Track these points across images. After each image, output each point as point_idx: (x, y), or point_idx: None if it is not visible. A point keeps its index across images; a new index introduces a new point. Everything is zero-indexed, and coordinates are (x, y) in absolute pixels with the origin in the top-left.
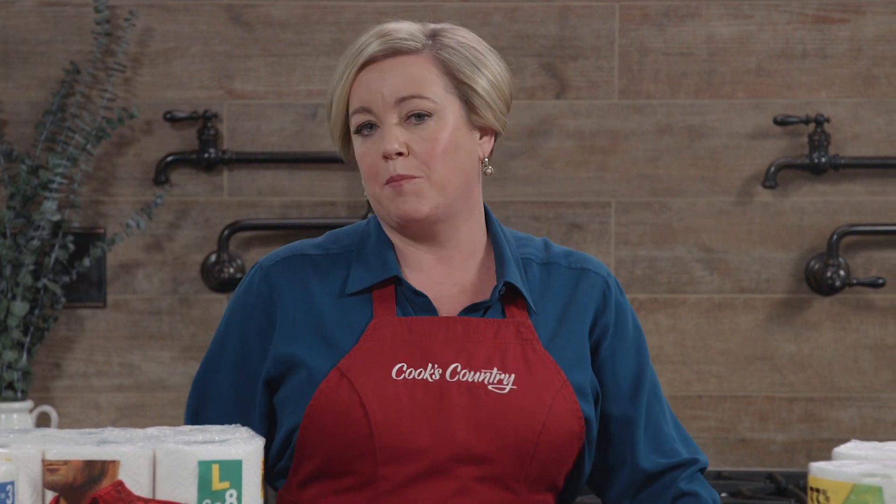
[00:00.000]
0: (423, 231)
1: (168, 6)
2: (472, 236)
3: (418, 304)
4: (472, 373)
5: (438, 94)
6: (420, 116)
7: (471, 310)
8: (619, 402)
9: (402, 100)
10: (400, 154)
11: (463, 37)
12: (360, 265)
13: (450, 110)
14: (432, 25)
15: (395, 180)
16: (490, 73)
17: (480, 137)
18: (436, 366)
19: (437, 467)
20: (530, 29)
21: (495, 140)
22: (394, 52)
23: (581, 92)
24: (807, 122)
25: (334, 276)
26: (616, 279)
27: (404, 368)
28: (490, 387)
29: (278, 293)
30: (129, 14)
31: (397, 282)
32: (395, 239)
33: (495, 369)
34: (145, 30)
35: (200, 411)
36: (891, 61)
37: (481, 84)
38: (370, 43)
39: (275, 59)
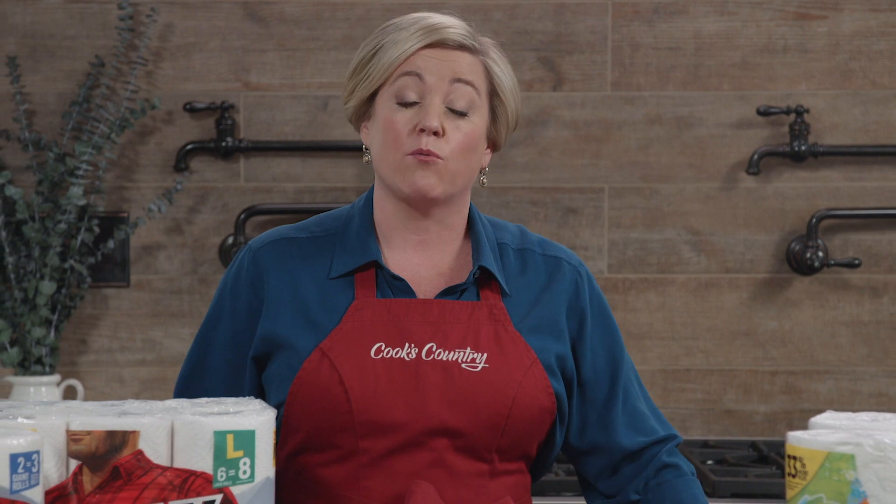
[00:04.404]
0: (422, 208)
1: (188, 3)
2: (454, 226)
3: (397, 286)
4: (447, 352)
5: (482, 92)
6: (458, 112)
7: (447, 293)
8: (599, 384)
9: (457, 80)
10: (435, 133)
11: (501, 55)
12: (342, 250)
13: (481, 113)
14: (476, 34)
15: (422, 153)
16: (516, 99)
17: (486, 148)
18: (412, 345)
19: (414, 440)
20: (528, 25)
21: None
22: (459, 45)
23: (576, 84)
24: (788, 112)
25: (318, 259)
26: (587, 269)
27: (382, 348)
28: (463, 365)
29: (266, 274)
30: (151, 11)
31: (377, 266)
32: (383, 219)
33: (469, 349)
34: (166, 25)
35: (192, 384)
36: (866, 55)
37: (510, 104)
38: (443, 28)
39: (289, 54)
